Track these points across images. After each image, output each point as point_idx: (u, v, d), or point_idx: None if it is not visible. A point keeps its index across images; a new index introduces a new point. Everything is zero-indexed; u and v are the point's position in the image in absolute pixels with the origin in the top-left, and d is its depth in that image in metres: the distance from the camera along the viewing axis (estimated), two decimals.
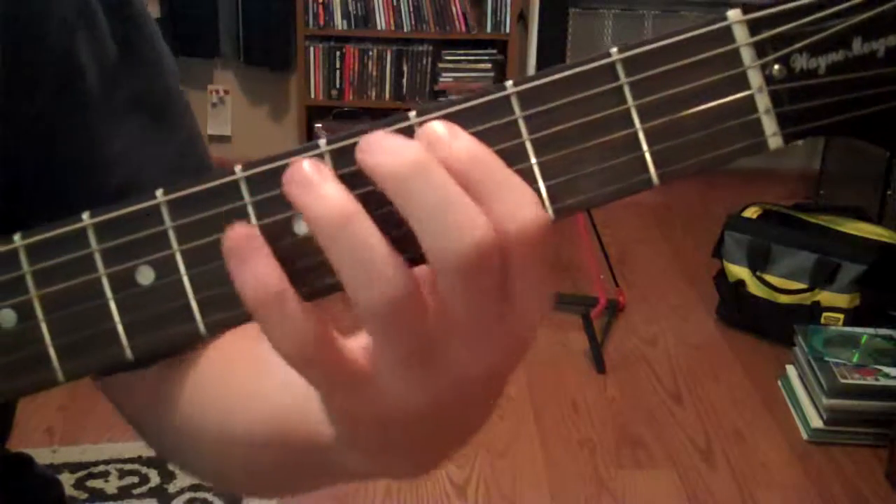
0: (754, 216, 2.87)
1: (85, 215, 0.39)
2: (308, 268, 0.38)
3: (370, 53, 3.73)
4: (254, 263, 0.37)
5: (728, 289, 2.83)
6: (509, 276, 0.37)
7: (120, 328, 0.39)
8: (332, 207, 0.36)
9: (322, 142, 0.38)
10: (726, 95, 0.38)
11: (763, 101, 0.38)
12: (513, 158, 0.38)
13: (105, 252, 0.39)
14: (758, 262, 2.76)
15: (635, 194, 0.39)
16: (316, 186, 0.36)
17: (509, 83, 0.38)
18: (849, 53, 0.37)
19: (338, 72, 3.74)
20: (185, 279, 0.39)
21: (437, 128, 0.37)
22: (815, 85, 0.37)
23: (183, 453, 0.67)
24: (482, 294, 0.37)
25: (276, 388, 0.54)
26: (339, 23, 3.69)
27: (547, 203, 0.38)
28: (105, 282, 0.39)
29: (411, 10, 3.67)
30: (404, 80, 3.74)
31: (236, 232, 0.38)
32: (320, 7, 3.66)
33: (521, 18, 3.77)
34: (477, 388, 0.40)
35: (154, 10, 3.40)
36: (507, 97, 0.38)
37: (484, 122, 0.38)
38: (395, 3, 3.66)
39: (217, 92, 3.86)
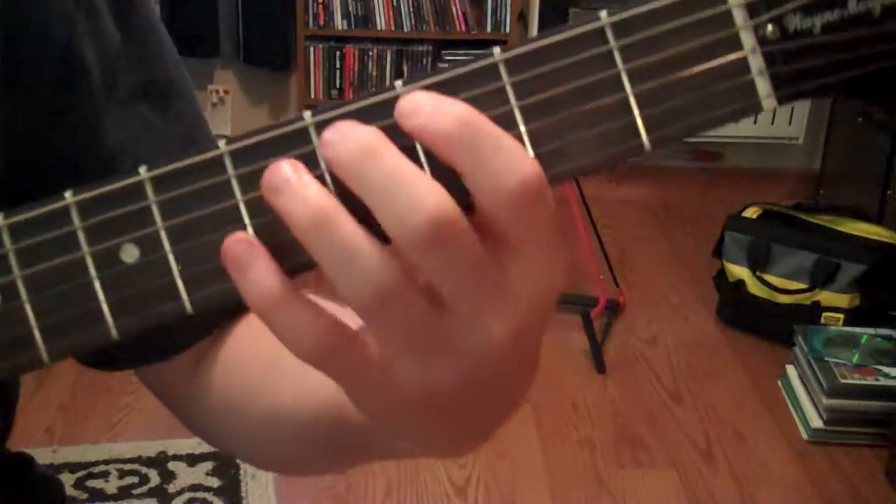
0: (754, 216, 2.87)
1: (68, 193, 0.39)
2: (292, 241, 0.37)
3: (370, 53, 3.73)
4: (255, 271, 0.37)
5: (728, 289, 2.83)
6: (507, 239, 0.37)
7: (105, 307, 0.39)
8: (307, 210, 0.36)
9: (307, 114, 0.38)
10: (719, 57, 0.37)
11: (756, 63, 0.37)
12: (501, 125, 0.37)
13: (88, 230, 0.39)
14: (758, 262, 2.76)
15: (628, 159, 0.38)
16: (292, 188, 0.36)
17: (496, 49, 0.37)
18: (844, 12, 0.36)
19: (338, 72, 3.74)
20: (171, 256, 0.39)
21: (409, 101, 0.36)
22: (810, 45, 0.36)
23: (229, 436, 0.67)
24: (463, 267, 0.36)
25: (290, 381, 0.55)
26: (339, 23, 3.69)
27: None
28: (89, 260, 0.39)
29: (411, 10, 3.67)
30: None
31: (234, 240, 0.37)
32: (320, 7, 3.66)
33: (521, 18, 3.77)
34: (504, 358, 0.39)
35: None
36: (495, 64, 0.37)
37: (472, 89, 0.37)
38: (395, 3, 3.66)
39: (217, 92, 3.86)
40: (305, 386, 0.56)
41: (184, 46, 3.72)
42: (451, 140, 0.36)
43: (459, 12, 3.68)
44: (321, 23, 3.69)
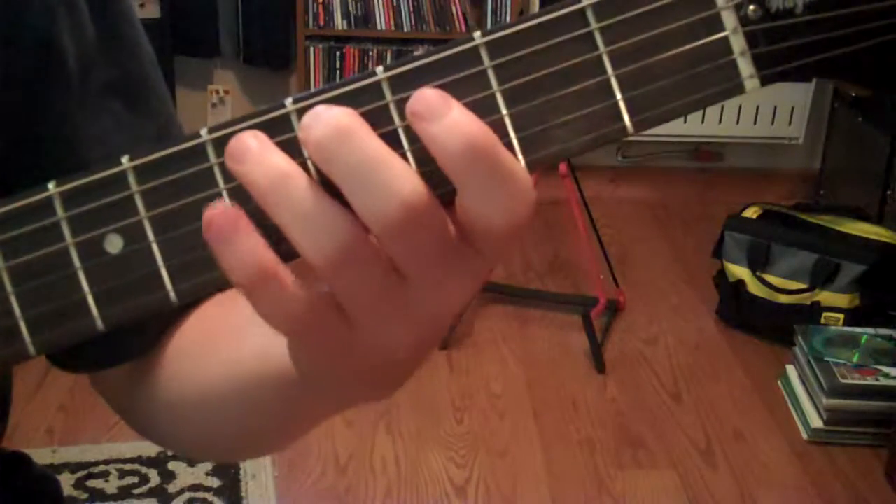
0: (754, 216, 2.87)
1: (51, 184, 0.38)
2: (276, 228, 0.37)
3: (370, 53, 3.73)
4: (238, 243, 0.37)
5: (728, 289, 2.83)
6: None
7: (90, 298, 0.39)
8: (266, 173, 0.36)
9: (289, 101, 0.38)
10: (700, 38, 0.37)
11: (738, 43, 0.37)
12: (483, 110, 0.37)
13: (72, 220, 0.38)
14: (758, 262, 2.76)
15: (610, 143, 0.38)
16: (252, 156, 0.37)
17: (477, 34, 0.37)
18: None
19: (338, 72, 3.74)
20: (154, 246, 0.38)
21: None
22: (792, 24, 0.36)
23: (170, 427, 0.67)
24: (427, 250, 0.37)
25: (253, 356, 0.55)
26: (339, 23, 3.69)
27: (519, 154, 0.37)
28: (73, 251, 0.38)
29: (411, 10, 3.67)
30: None
31: (217, 212, 0.37)
32: (320, 7, 3.66)
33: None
34: (446, 322, 0.41)
35: (154, 10, 3.40)
36: (476, 48, 0.37)
37: (453, 73, 0.37)
38: (395, 3, 3.66)
39: (217, 92, 3.86)
40: (240, 358, 0.57)
41: (184, 46, 3.70)
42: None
43: (459, 12, 3.68)
44: (321, 23, 3.69)
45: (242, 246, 0.37)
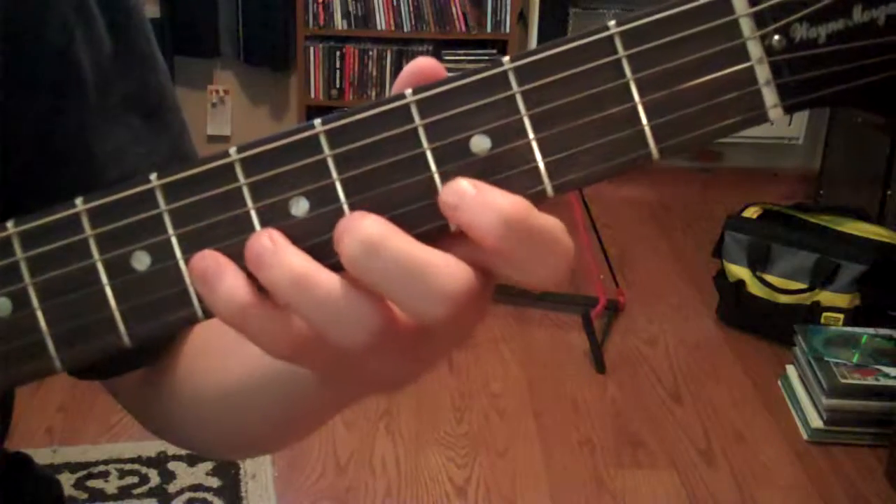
0: (754, 216, 2.87)
1: (78, 201, 0.39)
2: (308, 248, 0.38)
3: (370, 53, 3.73)
4: (220, 284, 0.37)
5: (728, 289, 2.83)
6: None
7: (117, 315, 0.39)
8: (284, 276, 0.36)
9: (317, 121, 0.38)
10: (726, 67, 0.37)
11: (763, 73, 0.37)
12: (511, 134, 0.37)
13: (99, 237, 0.39)
14: (758, 262, 2.76)
15: (636, 169, 0.38)
16: (265, 258, 0.37)
17: (506, 59, 0.38)
18: (849, 22, 0.36)
19: (338, 72, 3.74)
20: (182, 263, 0.38)
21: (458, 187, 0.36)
22: (815, 55, 0.37)
23: (187, 426, 0.67)
24: (470, 323, 0.38)
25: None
26: (339, 23, 3.69)
27: (546, 179, 0.38)
28: (100, 268, 0.39)
29: (411, 10, 3.67)
30: None
31: (198, 259, 0.38)
32: (320, 7, 3.66)
33: (521, 18, 3.77)
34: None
35: (154, 10, 3.40)
36: (504, 73, 0.37)
37: (481, 97, 0.37)
38: (395, 3, 3.66)
39: (217, 92, 3.86)
40: (256, 351, 0.58)
41: (184, 46, 3.70)
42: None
43: (459, 12, 3.68)
44: (321, 23, 3.69)
45: (222, 285, 0.37)
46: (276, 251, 0.37)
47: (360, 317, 0.36)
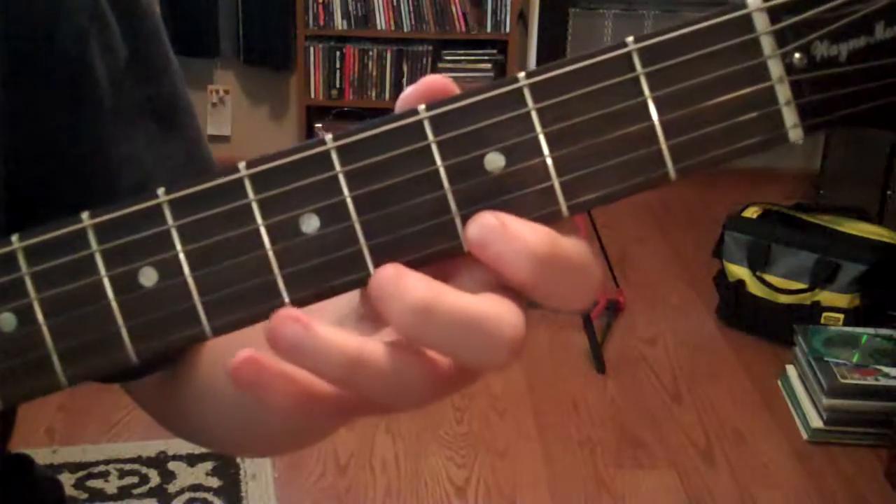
0: (754, 216, 2.87)
1: (84, 215, 0.38)
2: (318, 267, 0.37)
3: (370, 53, 3.73)
4: (273, 386, 0.36)
5: (728, 289, 2.83)
6: None
7: (124, 331, 0.38)
8: (327, 365, 0.35)
9: (328, 137, 0.37)
10: (746, 87, 0.36)
11: (783, 92, 0.36)
12: (526, 152, 0.37)
13: (106, 253, 0.38)
14: (758, 262, 2.76)
15: (653, 189, 0.37)
16: (301, 350, 0.35)
17: (521, 75, 0.37)
18: (871, 39, 0.35)
19: (338, 72, 3.74)
20: (190, 280, 0.38)
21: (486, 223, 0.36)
22: (836, 74, 0.36)
23: (208, 426, 0.67)
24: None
25: None
26: (339, 23, 3.69)
27: (561, 199, 0.37)
28: (107, 284, 0.38)
29: (411, 10, 3.67)
30: (404, 81, 3.74)
31: (241, 361, 0.36)
32: (320, 7, 3.66)
33: (521, 18, 3.77)
34: None
35: None
36: (520, 89, 0.37)
37: (496, 114, 0.37)
38: (395, 3, 3.66)
39: (217, 92, 3.86)
40: None
41: (184, 46, 3.71)
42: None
43: (459, 12, 3.68)
44: (321, 23, 3.69)
45: (275, 386, 0.36)
46: (307, 338, 0.35)
47: (412, 381, 0.36)
